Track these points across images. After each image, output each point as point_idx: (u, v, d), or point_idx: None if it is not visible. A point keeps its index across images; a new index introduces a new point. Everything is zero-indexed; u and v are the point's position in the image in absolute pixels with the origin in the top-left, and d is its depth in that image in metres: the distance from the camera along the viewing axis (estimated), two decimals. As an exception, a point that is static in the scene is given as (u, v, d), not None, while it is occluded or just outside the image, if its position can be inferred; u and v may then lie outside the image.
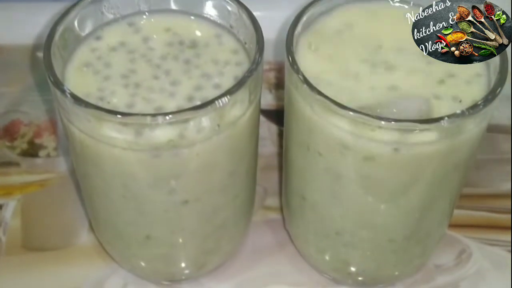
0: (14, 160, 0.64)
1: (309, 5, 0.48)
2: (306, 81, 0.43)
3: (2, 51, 0.74)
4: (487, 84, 0.45)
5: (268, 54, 0.70)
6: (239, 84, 0.42)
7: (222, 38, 0.49)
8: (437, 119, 0.40)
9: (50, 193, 0.62)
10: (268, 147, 0.66)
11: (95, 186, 0.48)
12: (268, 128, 0.67)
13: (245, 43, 0.48)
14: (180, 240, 0.50)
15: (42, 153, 0.65)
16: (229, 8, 0.48)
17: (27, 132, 0.66)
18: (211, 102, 0.41)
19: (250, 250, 0.58)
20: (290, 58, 0.44)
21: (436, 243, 0.54)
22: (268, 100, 0.70)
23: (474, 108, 0.41)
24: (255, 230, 0.59)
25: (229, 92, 0.42)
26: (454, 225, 0.58)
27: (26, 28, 0.73)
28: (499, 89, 0.42)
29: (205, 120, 0.42)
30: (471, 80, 0.45)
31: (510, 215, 0.60)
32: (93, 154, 0.44)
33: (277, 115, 0.68)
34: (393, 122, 0.40)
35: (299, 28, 0.47)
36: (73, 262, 0.57)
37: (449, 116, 0.40)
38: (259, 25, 0.46)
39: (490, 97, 0.42)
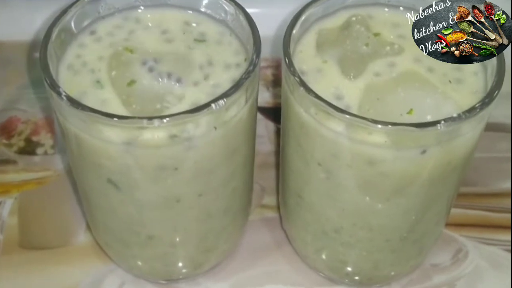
0: (11, 158, 0.64)
1: (306, 6, 0.48)
2: (302, 83, 0.42)
3: (0, 48, 0.74)
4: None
5: (266, 51, 0.70)
6: (236, 86, 0.42)
7: (224, 36, 0.49)
8: (434, 123, 0.40)
9: (47, 191, 0.62)
10: (265, 144, 0.66)
11: (93, 186, 0.48)
12: (265, 126, 0.67)
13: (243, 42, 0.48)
14: (181, 239, 0.50)
15: (39, 150, 0.65)
16: (226, 8, 0.48)
17: (24, 130, 0.66)
18: (207, 105, 0.41)
19: (247, 249, 0.58)
20: (287, 60, 0.44)
21: (432, 243, 0.54)
22: (265, 97, 0.70)
23: (470, 111, 0.41)
24: (252, 229, 0.59)
25: (226, 95, 0.42)
26: (450, 224, 0.58)
27: (23, 25, 0.73)
28: (496, 92, 0.42)
29: (201, 122, 0.42)
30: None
31: (506, 214, 0.61)
32: (90, 153, 0.44)
33: (274, 113, 0.68)
34: (389, 126, 0.40)
35: (296, 28, 0.47)
36: (70, 261, 0.57)
37: (445, 120, 0.40)
38: (256, 27, 0.46)
39: (487, 100, 0.42)
